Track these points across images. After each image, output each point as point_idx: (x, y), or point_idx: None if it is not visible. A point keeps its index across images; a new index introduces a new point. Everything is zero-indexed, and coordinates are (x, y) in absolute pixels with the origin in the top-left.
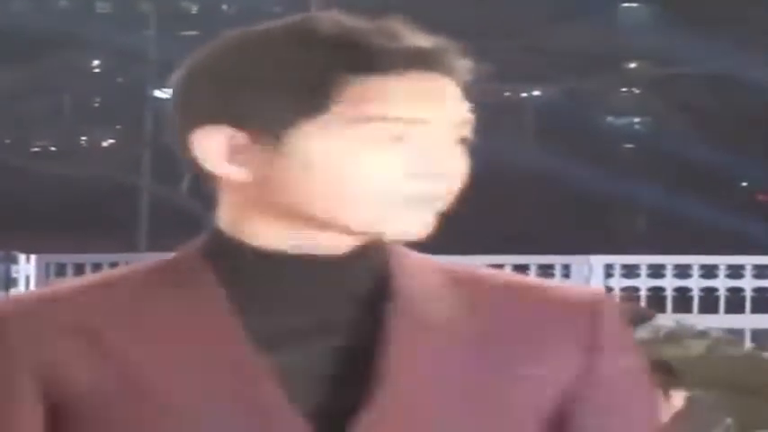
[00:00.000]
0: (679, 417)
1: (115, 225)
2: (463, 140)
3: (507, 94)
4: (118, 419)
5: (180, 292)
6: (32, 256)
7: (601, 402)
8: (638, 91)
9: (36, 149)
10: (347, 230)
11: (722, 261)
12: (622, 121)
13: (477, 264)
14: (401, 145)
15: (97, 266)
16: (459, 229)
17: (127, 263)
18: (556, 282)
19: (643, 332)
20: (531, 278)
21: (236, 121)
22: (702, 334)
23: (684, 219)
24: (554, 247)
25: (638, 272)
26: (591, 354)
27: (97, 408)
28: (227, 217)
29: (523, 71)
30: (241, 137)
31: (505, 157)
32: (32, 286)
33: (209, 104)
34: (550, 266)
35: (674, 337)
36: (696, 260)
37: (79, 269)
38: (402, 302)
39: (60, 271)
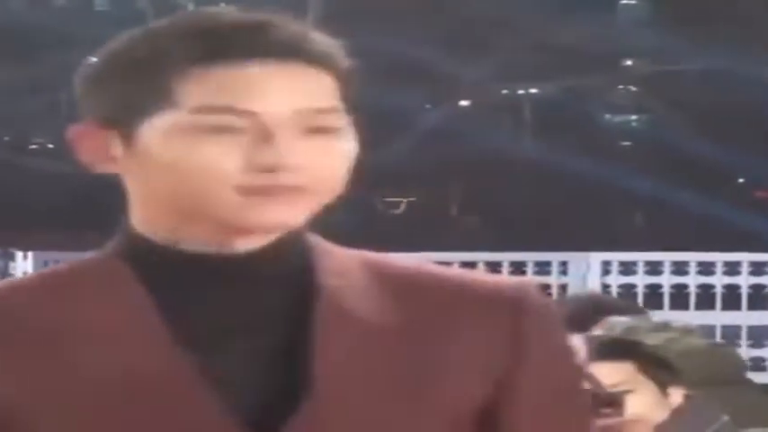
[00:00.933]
0: (677, 414)
1: (112, 222)
2: (319, 130)
3: (505, 91)
4: (40, 429)
5: (100, 293)
6: (29, 254)
7: (523, 407)
8: (635, 88)
9: (34, 147)
10: (210, 224)
11: (719, 258)
12: (620, 118)
13: (476, 260)
14: (230, 137)
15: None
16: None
17: None
18: (497, 276)
19: (597, 328)
20: (455, 270)
21: (99, 116)
22: (663, 326)
23: (682, 215)
24: (552, 245)
25: (636, 269)
26: (516, 360)
27: (16, 418)
28: (133, 213)
29: (521, 69)
30: (105, 132)
31: (503, 154)
32: None
33: (81, 102)
34: (547, 264)
35: (630, 331)
36: (694, 257)
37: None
38: (325, 300)
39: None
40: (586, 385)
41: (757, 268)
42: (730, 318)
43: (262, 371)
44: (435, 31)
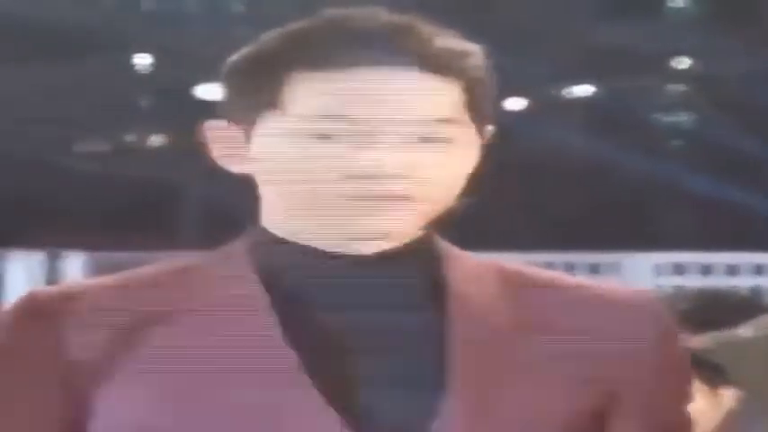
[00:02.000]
0: (731, 416)
1: (161, 224)
2: (430, 140)
3: (555, 92)
4: (150, 413)
5: (216, 286)
6: (78, 255)
7: (642, 403)
8: (685, 88)
9: (83, 148)
10: (324, 226)
11: None
12: (670, 117)
13: (529, 262)
14: (339, 143)
15: (144, 265)
16: (509, 227)
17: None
18: (611, 281)
19: None
20: (583, 278)
21: (229, 116)
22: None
23: (734, 215)
24: (603, 246)
25: (687, 270)
26: (641, 359)
27: (126, 401)
28: (267, 213)
29: (570, 69)
30: (233, 131)
31: (554, 154)
32: None
33: (221, 100)
34: (597, 265)
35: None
36: (746, 258)
37: (126, 267)
38: (458, 306)
39: (107, 269)
40: None
41: None
42: None
43: (384, 375)
44: (486, 31)
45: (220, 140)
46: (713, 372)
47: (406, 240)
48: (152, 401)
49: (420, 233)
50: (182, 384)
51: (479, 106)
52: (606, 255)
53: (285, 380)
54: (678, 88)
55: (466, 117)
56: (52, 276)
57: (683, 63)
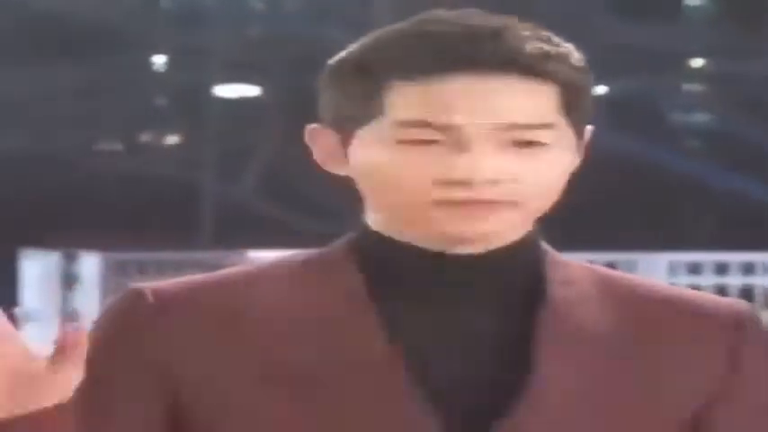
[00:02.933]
0: None
1: (178, 224)
2: (525, 144)
3: None
4: (253, 408)
5: (322, 283)
6: (95, 254)
7: (732, 422)
8: (705, 87)
9: (99, 148)
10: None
11: None
12: (689, 117)
13: None
14: (427, 150)
15: (160, 265)
16: None
17: (191, 261)
18: (703, 293)
19: None
20: (685, 289)
21: (330, 120)
22: None
23: (750, 214)
24: (620, 244)
25: (703, 269)
26: (731, 374)
27: (230, 396)
28: (370, 213)
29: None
30: (335, 135)
31: None
32: (95, 284)
33: (320, 104)
34: (612, 263)
35: None
36: (761, 257)
37: (142, 267)
38: (554, 311)
39: (123, 269)
40: None
41: None
42: None
43: (478, 373)
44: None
45: (322, 144)
46: None
47: (509, 242)
48: (269, 406)
49: (522, 235)
50: (282, 386)
51: (577, 108)
52: (622, 254)
53: (388, 380)
54: (695, 87)
55: (563, 120)
56: (68, 276)
57: (699, 62)
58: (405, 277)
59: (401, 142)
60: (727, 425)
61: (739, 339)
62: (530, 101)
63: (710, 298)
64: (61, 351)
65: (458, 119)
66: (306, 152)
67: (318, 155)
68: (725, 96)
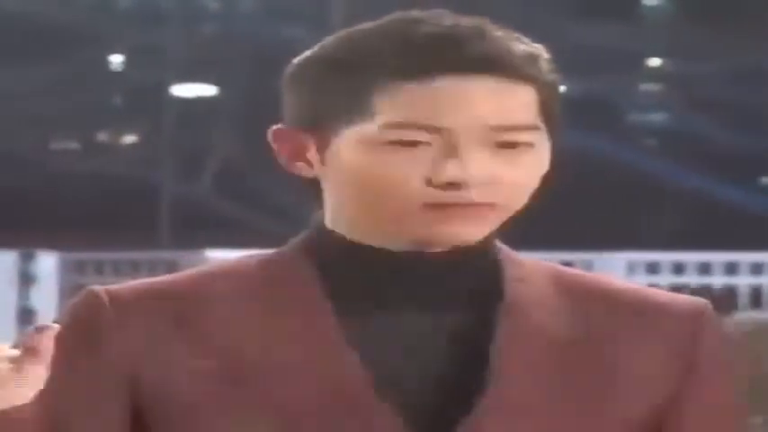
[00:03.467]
0: None
1: (136, 223)
2: (509, 145)
3: None
4: (216, 414)
5: (279, 284)
6: (52, 253)
7: (688, 420)
8: (660, 87)
9: (56, 146)
10: (397, 231)
11: (744, 258)
12: (645, 116)
13: None
14: (417, 152)
15: (117, 264)
16: None
17: (148, 261)
18: (661, 290)
19: None
20: (642, 286)
21: (299, 121)
22: None
23: (709, 214)
24: (576, 244)
25: (661, 269)
26: (688, 373)
27: (190, 399)
28: (327, 213)
29: None
30: (303, 136)
31: None
32: (52, 284)
33: (285, 104)
34: (569, 263)
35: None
36: (717, 258)
37: (99, 267)
38: (512, 309)
39: (80, 268)
40: None
41: None
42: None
43: (437, 371)
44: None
45: (290, 145)
46: None
47: (472, 242)
48: (208, 390)
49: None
50: (241, 385)
51: (552, 109)
52: (579, 253)
53: (345, 379)
54: (652, 87)
55: (540, 121)
56: (25, 275)
57: (657, 62)
58: (366, 278)
59: (390, 143)
60: (685, 424)
61: (697, 338)
62: (515, 102)
63: (669, 295)
64: (30, 351)
65: (449, 121)
66: (264, 152)
67: (284, 156)
68: (682, 96)
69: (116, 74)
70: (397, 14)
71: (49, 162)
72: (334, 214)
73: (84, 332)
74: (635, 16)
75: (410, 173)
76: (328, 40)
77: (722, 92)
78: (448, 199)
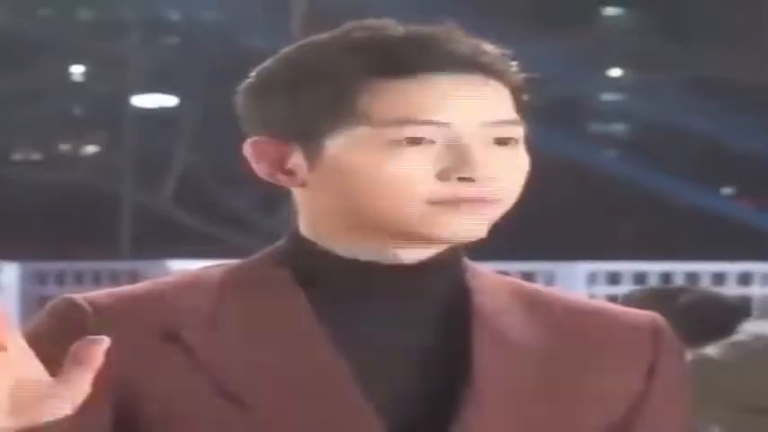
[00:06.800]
0: None
1: (97, 233)
2: (503, 142)
3: None
4: (199, 422)
5: (258, 294)
6: (13, 264)
7: (655, 417)
8: (622, 97)
9: (17, 157)
10: (386, 235)
11: (704, 269)
12: (607, 127)
13: None
14: (423, 148)
15: (79, 275)
16: None
17: (110, 271)
18: (605, 302)
19: None
20: (599, 301)
21: (277, 131)
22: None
23: (671, 224)
24: (537, 254)
25: (623, 280)
26: (649, 378)
27: (176, 411)
28: (304, 222)
29: None
30: (284, 146)
31: None
32: (13, 295)
33: (254, 115)
34: (531, 274)
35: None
36: (680, 267)
37: (61, 277)
38: (483, 320)
39: (41, 279)
40: None
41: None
42: None
43: (413, 381)
44: None
45: (271, 158)
46: None
47: (441, 250)
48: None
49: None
50: (231, 401)
51: (523, 109)
52: (540, 263)
53: (334, 390)
54: (613, 97)
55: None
56: None
57: (618, 72)
58: (344, 289)
59: (392, 142)
60: (647, 424)
61: (657, 351)
62: (500, 98)
63: (625, 310)
64: (79, 361)
65: (447, 116)
66: (225, 162)
67: (264, 169)
68: (644, 104)
69: (77, 84)
70: (354, 23)
71: (9, 172)
72: (315, 223)
73: (69, 337)
74: (596, 26)
75: (418, 170)
76: (290, 49)
77: (685, 98)
78: (459, 194)
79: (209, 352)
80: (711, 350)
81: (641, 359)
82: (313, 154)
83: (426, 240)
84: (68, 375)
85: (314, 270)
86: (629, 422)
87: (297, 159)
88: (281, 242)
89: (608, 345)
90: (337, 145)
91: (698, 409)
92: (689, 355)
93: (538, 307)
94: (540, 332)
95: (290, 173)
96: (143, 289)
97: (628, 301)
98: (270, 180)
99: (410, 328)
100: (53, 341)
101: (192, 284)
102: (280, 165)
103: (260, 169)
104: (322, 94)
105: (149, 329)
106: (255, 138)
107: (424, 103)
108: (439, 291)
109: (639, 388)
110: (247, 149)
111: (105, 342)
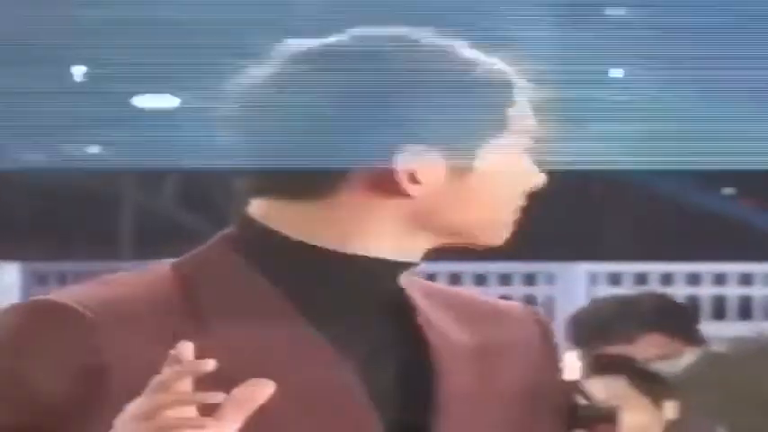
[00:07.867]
0: (672, 428)
1: (98, 234)
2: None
3: None
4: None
5: (226, 283)
6: (14, 264)
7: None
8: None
9: (17, 157)
10: (474, 240)
11: (706, 269)
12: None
13: (462, 272)
14: (517, 159)
15: (80, 275)
16: None
17: (110, 271)
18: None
19: None
20: (477, 292)
21: (432, 144)
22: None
23: (670, 225)
24: (539, 255)
25: (622, 280)
26: (543, 353)
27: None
28: (259, 211)
29: None
30: (440, 161)
31: None
32: (15, 295)
33: (417, 124)
34: (532, 275)
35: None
36: (680, 268)
37: (62, 278)
38: (426, 317)
39: (43, 279)
40: (581, 400)
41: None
42: (715, 328)
43: (394, 380)
44: None
45: (434, 179)
46: (654, 383)
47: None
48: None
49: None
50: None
51: None
52: (541, 264)
53: (330, 379)
54: (615, 97)
55: None
56: None
57: (620, 72)
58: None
59: (522, 149)
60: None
61: (546, 336)
62: None
63: (504, 301)
64: (237, 406)
65: (531, 124)
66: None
67: (424, 190)
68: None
69: (78, 84)
70: (404, 29)
71: (14, 173)
72: (270, 211)
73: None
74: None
75: (522, 180)
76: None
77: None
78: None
79: (205, 353)
80: (719, 347)
81: (535, 342)
82: (455, 164)
83: (493, 243)
84: (222, 413)
85: (268, 258)
86: (538, 405)
87: (440, 172)
88: (229, 232)
89: (510, 332)
90: (484, 155)
91: (704, 407)
92: (696, 353)
93: (449, 304)
94: (461, 328)
95: (417, 182)
96: (109, 283)
97: (586, 314)
98: (407, 192)
99: (380, 324)
100: (47, 337)
101: (152, 282)
102: (439, 183)
103: (405, 180)
104: (480, 107)
105: (140, 325)
106: (424, 160)
107: (530, 117)
108: (392, 286)
109: (537, 366)
110: (408, 163)
111: (270, 387)
